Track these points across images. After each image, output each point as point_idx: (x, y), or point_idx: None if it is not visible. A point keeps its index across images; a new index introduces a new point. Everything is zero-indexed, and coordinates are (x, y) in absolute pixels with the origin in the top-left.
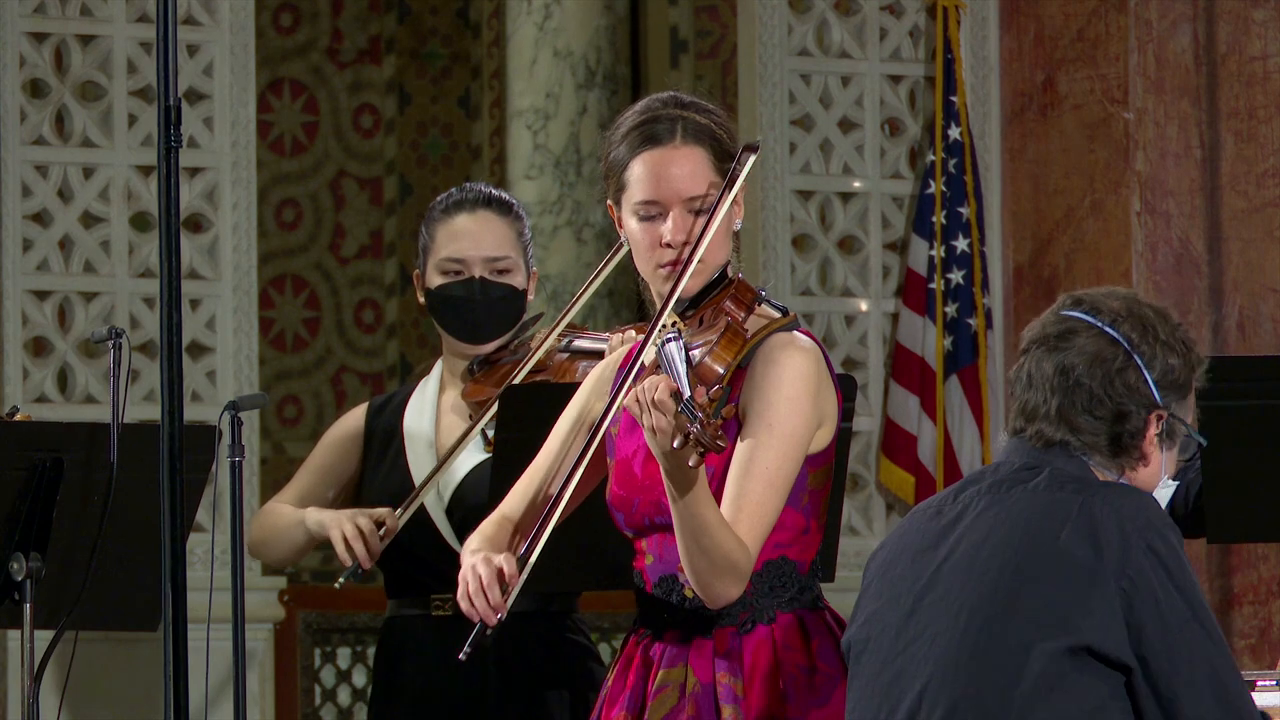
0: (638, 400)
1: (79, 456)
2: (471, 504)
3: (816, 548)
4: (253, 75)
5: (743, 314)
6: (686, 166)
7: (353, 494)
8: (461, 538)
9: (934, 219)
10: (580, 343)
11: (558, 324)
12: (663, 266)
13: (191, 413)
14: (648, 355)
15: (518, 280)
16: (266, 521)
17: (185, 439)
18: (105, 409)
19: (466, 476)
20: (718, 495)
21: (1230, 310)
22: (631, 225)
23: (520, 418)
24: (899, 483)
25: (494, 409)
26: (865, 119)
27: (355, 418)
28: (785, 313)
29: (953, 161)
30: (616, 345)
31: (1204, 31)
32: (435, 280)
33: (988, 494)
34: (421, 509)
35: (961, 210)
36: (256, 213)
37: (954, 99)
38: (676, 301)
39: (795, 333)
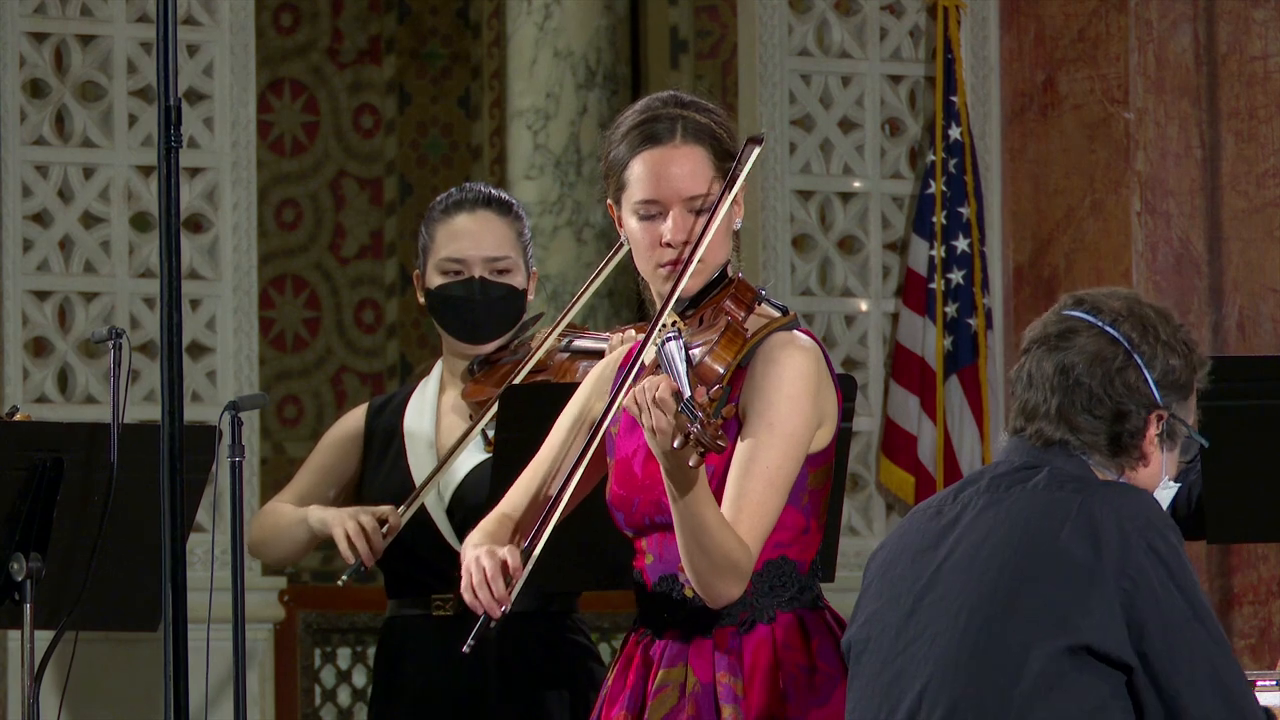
0: (637, 400)
1: (79, 456)
2: (472, 504)
3: (816, 547)
4: (253, 75)
5: (743, 313)
6: (686, 166)
7: (353, 494)
8: (462, 537)
9: (934, 219)
10: (580, 342)
11: (558, 324)
12: (663, 266)
13: (191, 413)
14: (647, 355)
15: (518, 280)
16: (267, 521)
17: (185, 439)
18: (105, 409)
19: (467, 476)
20: (718, 495)
21: (1230, 310)
22: (631, 224)
23: (520, 418)
24: (899, 483)
25: (494, 409)
26: (865, 119)
27: (355, 418)
28: (785, 312)
29: (953, 161)
30: (617, 345)
31: (1204, 31)
32: (435, 280)
33: (987, 493)
34: (422, 509)
35: (962, 210)
36: (257, 213)
37: (954, 99)
38: (676, 301)
39: (795, 332)
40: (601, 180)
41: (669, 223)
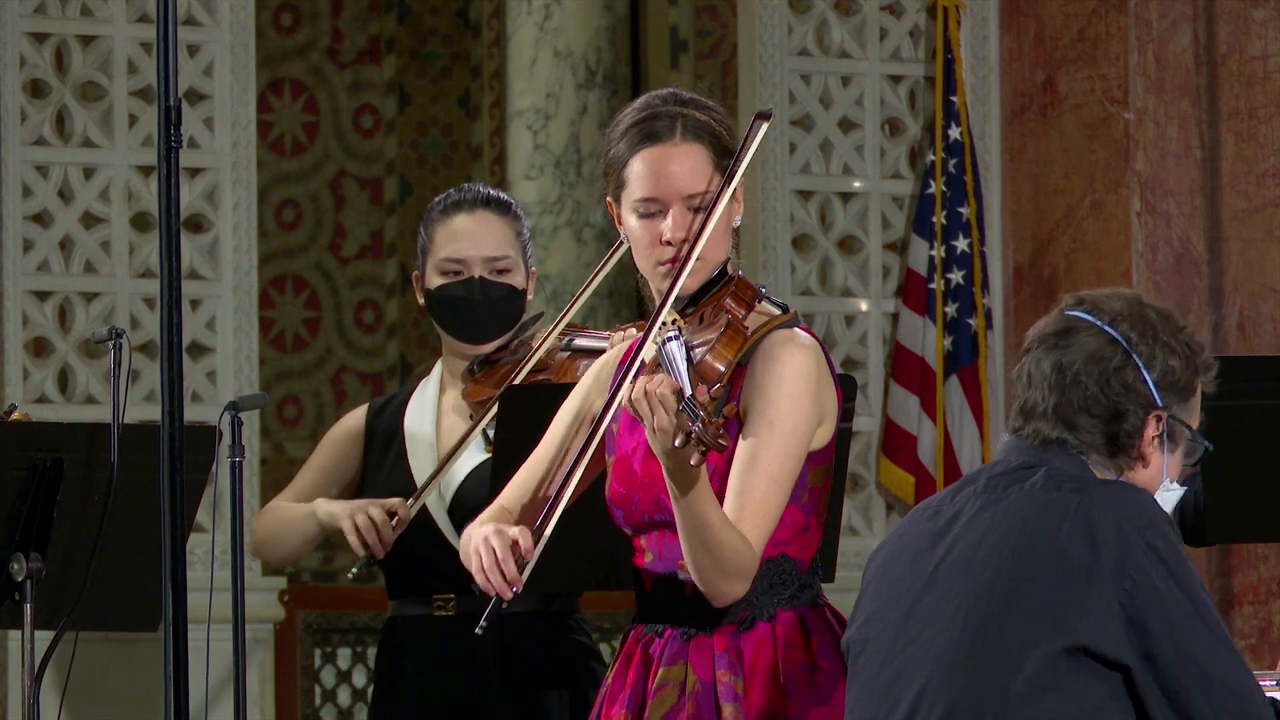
0: (635, 400)
1: (79, 457)
2: (473, 504)
3: (816, 545)
4: (253, 75)
5: (743, 311)
6: (686, 164)
7: (354, 495)
8: None
9: (934, 219)
10: (581, 342)
11: (558, 323)
12: (662, 264)
13: (192, 413)
14: (647, 353)
15: (517, 280)
16: (271, 519)
17: (185, 439)
18: (105, 409)
19: (468, 476)
20: (719, 493)
21: (1230, 310)
22: (631, 222)
23: (521, 418)
24: (899, 483)
25: (495, 409)
26: (865, 119)
27: (356, 418)
28: (785, 310)
29: (953, 161)
30: (618, 344)
31: (1204, 31)
32: (435, 281)
33: (985, 493)
34: (423, 509)
35: (961, 210)
36: (257, 213)
37: (954, 99)
38: (676, 299)
39: (795, 330)
40: (601, 178)
41: (669, 221)
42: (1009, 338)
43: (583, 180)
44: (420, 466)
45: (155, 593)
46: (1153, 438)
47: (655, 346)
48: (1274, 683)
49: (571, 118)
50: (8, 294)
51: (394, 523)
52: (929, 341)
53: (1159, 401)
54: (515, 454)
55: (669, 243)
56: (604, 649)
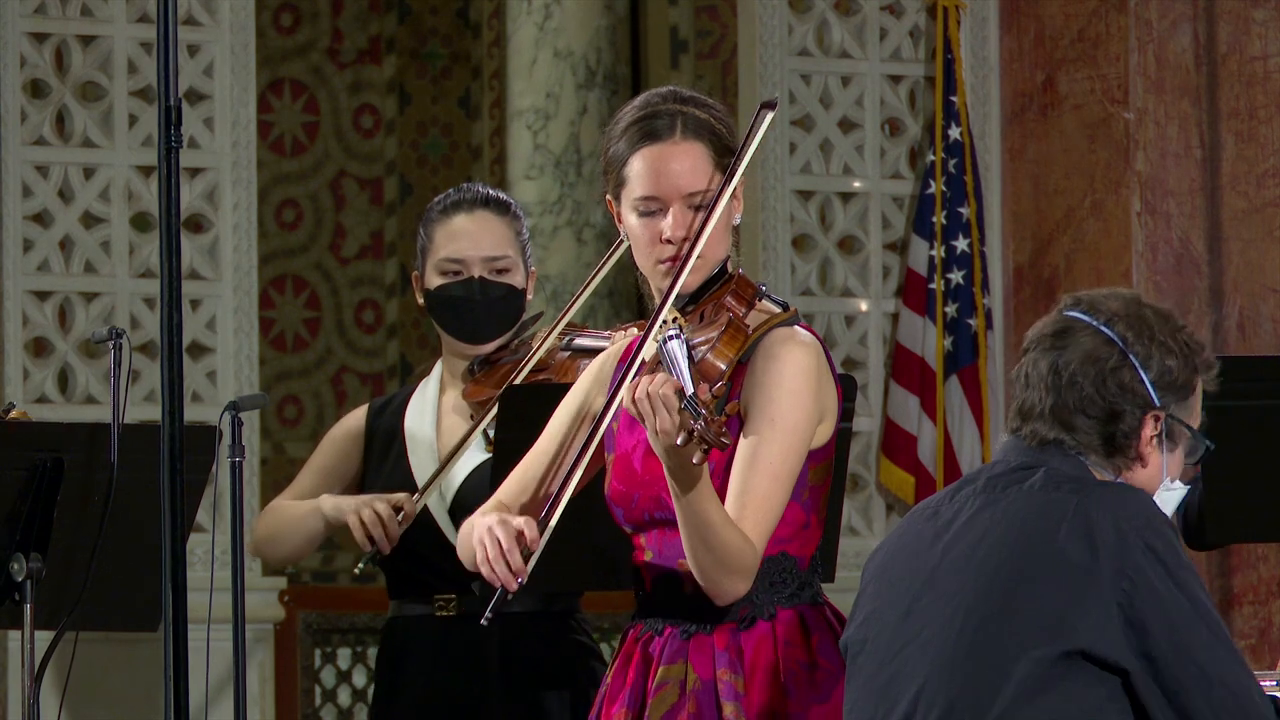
0: (636, 399)
1: (79, 457)
2: (473, 504)
3: (816, 543)
4: (253, 75)
5: (744, 309)
6: (686, 162)
7: (355, 495)
8: None
9: (934, 219)
10: (581, 341)
11: (557, 323)
12: (662, 262)
13: (192, 413)
14: (648, 351)
15: (516, 280)
16: (274, 518)
17: (185, 439)
18: (105, 409)
19: (469, 477)
20: (719, 491)
21: (1230, 310)
22: (631, 221)
23: (521, 418)
24: (899, 483)
25: (495, 409)
26: (865, 119)
27: (356, 418)
28: (785, 307)
29: (953, 161)
30: (618, 343)
31: (1204, 31)
32: (434, 281)
33: (984, 494)
34: (424, 509)
35: (961, 210)
36: (257, 213)
37: (954, 99)
38: (676, 297)
39: (796, 327)
40: (601, 176)
41: (669, 219)
42: (1009, 338)
43: (583, 180)
44: (420, 467)
45: (155, 593)
46: (1150, 437)
47: (656, 345)
48: (1274, 683)
49: (571, 118)
50: (8, 294)
51: (400, 518)
52: (929, 341)
53: (1156, 401)
54: (515, 454)
55: (669, 241)
56: (605, 649)
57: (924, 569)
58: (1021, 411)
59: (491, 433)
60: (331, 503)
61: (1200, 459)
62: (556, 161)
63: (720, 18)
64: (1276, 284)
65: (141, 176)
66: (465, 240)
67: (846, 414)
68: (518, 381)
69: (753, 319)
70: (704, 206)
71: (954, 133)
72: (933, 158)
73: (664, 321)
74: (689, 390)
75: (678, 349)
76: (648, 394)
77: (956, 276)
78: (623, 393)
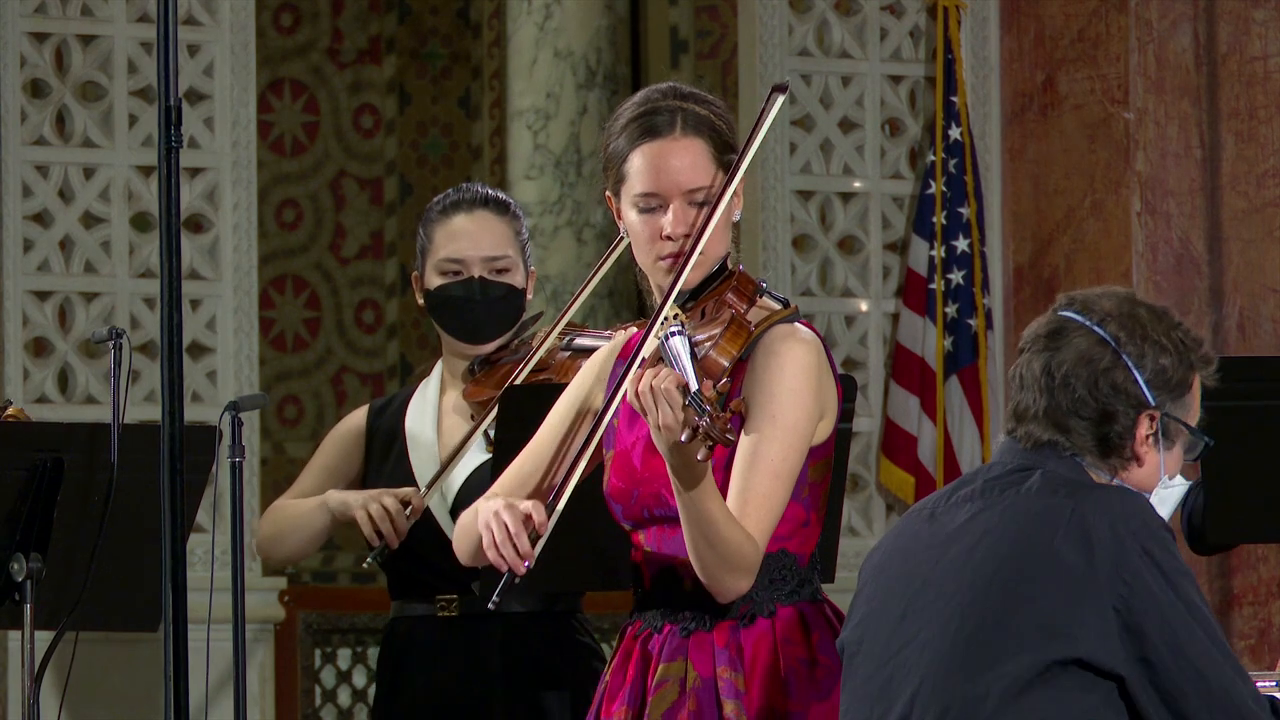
0: (639, 395)
1: (79, 457)
2: None
3: (816, 540)
4: (253, 75)
5: (745, 306)
6: (686, 158)
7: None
8: None
9: (934, 219)
10: (581, 341)
11: (557, 323)
12: (663, 259)
13: (192, 413)
14: (649, 348)
15: (516, 279)
16: (278, 516)
17: (185, 439)
18: (106, 409)
19: (470, 477)
20: (721, 488)
21: (1230, 310)
22: (631, 217)
23: (522, 417)
24: (899, 483)
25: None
26: (865, 119)
27: (357, 418)
28: (786, 304)
29: (953, 162)
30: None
31: (1204, 31)
32: (434, 281)
33: (981, 497)
34: (425, 510)
35: (962, 210)
36: (257, 213)
37: (954, 99)
38: (677, 294)
39: (796, 325)
40: (601, 173)
41: (669, 215)
42: (1009, 338)
43: (583, 180)
44: (421, 467)
45: (155, 593)
46: (1146, 437)
47: (658, 341)
48: (1274, 684)
49: (571, 118)
50: (8, 294)
51: (408, 512)
52: (929, 342)
53: (1151, 401)
54: (516, 454)
55: (669, 238)
56: (606, 649)
57: (921, 571)
58: (1017, 413)
59: (492, 433)
60: (338, 498)
61: (1200, 455)
62: (556, 161)
63: (720, 18)
64: (1276, 284)
65: (141, 176)
66: (465, 240)
67: (846, 414)
68: (518, 382)
69: (754, 316)
70: (704, 203)
71: (954, 133)
72: (933, 158)
73: (665, 318)
74: (693, 386)
75: (680, 345)
76: (651, 389)
77: (956, 277)
78: (626, 384)
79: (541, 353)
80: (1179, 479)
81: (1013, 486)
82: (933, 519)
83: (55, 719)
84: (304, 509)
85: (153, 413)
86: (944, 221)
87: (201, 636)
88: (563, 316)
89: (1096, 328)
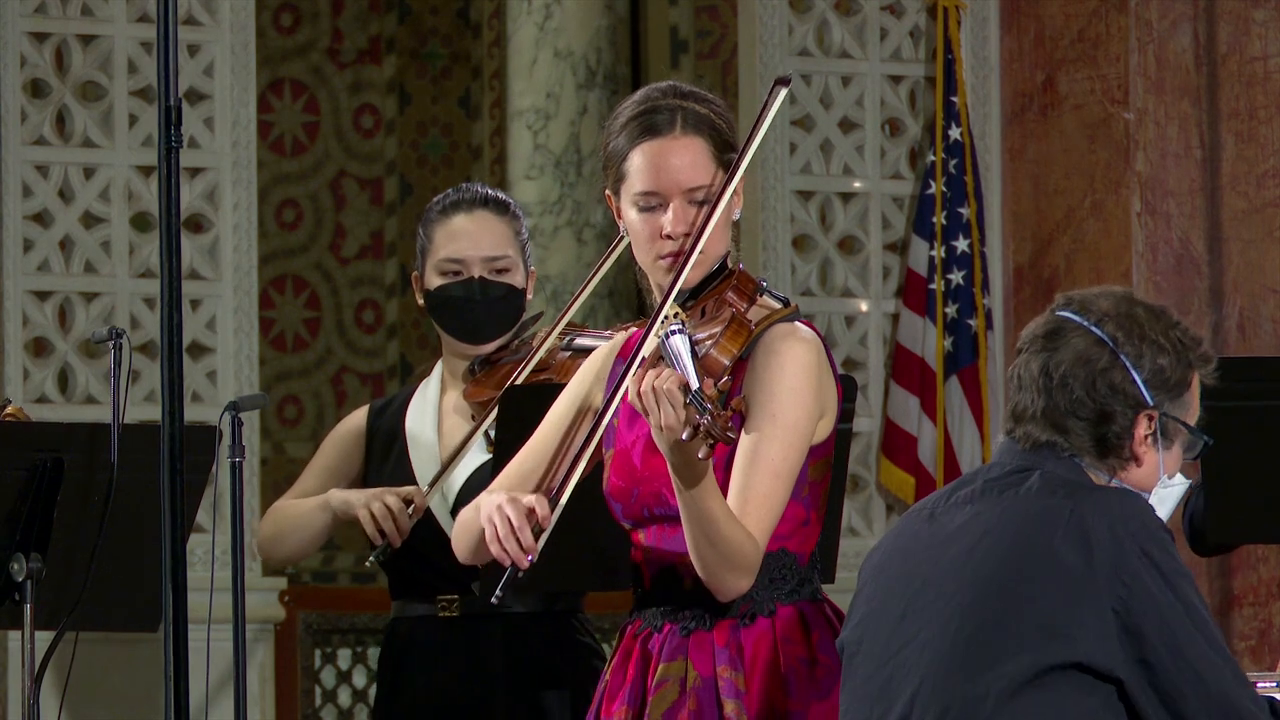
0: (641, 394)
1: (79, 457)
2: None
3: (815, 540)
4: (253, 75)
5: (745, 305)
6: (686, 157)
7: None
8: None
9: (934, 219)
10: (582, 341)
11: (558, 323)
12: (663, 258)
13: (192, 413)
14: (650, 346)
15: (516, 279)
16: (279, 516)
17: (185, 439)
18: (106, 409)
19: (470, 477)
20: (721, 487)
21: (1230, 311)
22: (631, 216)
23: (522, 418)
24: (899, 483)
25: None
26: (865, 119)
27: (357, 419)
28: (786, 303)
29: (953, 162)
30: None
31: (1204, 32)
32: (434, 281)
33: (981, 497)
34: (426, 510)
35: (962, 211)
36: (257, 213)
37: (954, 99)
38: (676, 293)
39: (796, 323)
40: (600, 171)
41: (669, 214)
42: (1009, 338)
43: (583, 180)
44: (422, 467)
45: (155, 593)
46: (1144, 437)
47: (658, 340)
48: (1275, 684)
49: (571, 118)
50: (8, 294)
51: (410, 511)
52: (929, 342)
53: (1149, 401)
54: (516, 454)
55: (669, 236)
56: (607, 649)
57: (920, 571)
58: (1015, 414)
59: (493, 433)
60: (340, 497)
61: (1199, 454)
62: (556, 161)
63: (720, 18)
64: (1276, 284)
65: (141, 176)
66: (465, 240)
67: (846, 415)
68: (519, 382)
69: (754, 314)
70: (704, 201)
71: (954, 133)
72: (933, 158)
73: (665, 317)
74: (694, 385)
75: (681, 344)
76: (653, 388)
77: (956, 277)
78: (628, 382)
79: (542, 353)
80: (1179, 477)
81: (1012, 487)
82: (932, 519)
83: (55, 719)
84: (305, 508)
85: (153, 413)
86: (944, 222)
87: (201, 636)
88: (563, 316)
89: (1094, 328)
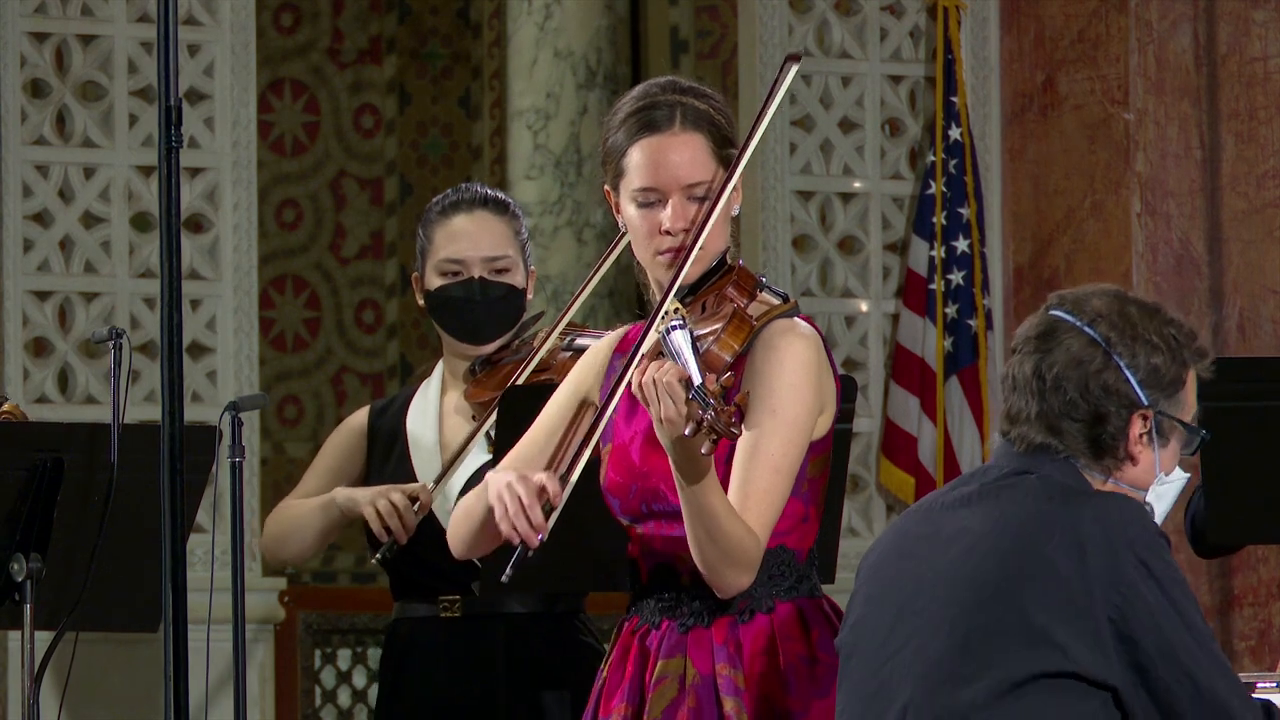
0: (643, 388)
1: (79, 457)
2: None
3: (814, 536)
4: (253, 75)
5: (745, 300)
6: (686, 153)
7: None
8: None
9: (934, 220)
10: (582, 341)
11: (558, 322)
12: (662, 254)
13: (192, 413)
14: (649, 342)
15: (516, 279)
16: (283, 515)
17: (185, 439)
18: (106, 409)
19: (471, 478)
20: (721, 483)
21: (1230, 311)
22: (630, 212)
23: (523, 418)
24: (899, 484)
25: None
26: (865, 119)
27: (358, 419)
28: (785, 299)
29: (953, 162)
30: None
31: (1204, 32)
32: (434, 282)
33: (978, 500)
34: (428, 511)
35: (962, 211)
36: (257, 213)
37: (954, 99)
38: (676, 289)
39: (796, 319)
40: (600, 167)
41: (668, 210)
42: (1009, 338)
43: (583, 180)
44: (423, 468)
45: (155, 593)
46: (1140, 436)
47: (659, 335)
48: (1275, 684)
49: (571, 118)
50: (8, 294)
51: (416, 508)
52: (929, 342)
53: (1144, 400)
54: None
55: (669, 232)
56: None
57: (915, 574)
58: (1010, 416)
59: (494, 434)
60: (345, 494)
61: (1197, 449)
62: (557, 161)
63: (720, 18)
64: (1276, 285)
65: (141, 176)
66: (465, 241)
67: (846, 415)
68: (519, 382)
69: (753, 310)
70: (704, 198)
71: (954, 133)
72: (933, 158)
73: (666, 312)
74: (696, 380)
75: (682, 339)
76: (654, 381)
77: (956, 277)
78: (631, 374)
79: (543, 353)
80: (1177, 472)
81: (1008, 490)
82: (929, 520)
83: (55, 719)
84: (309, 508)
85: (153, 413)
86: (944, 222)
87: (201, 636)
88: (563, 316)
89: (1087, 328)
